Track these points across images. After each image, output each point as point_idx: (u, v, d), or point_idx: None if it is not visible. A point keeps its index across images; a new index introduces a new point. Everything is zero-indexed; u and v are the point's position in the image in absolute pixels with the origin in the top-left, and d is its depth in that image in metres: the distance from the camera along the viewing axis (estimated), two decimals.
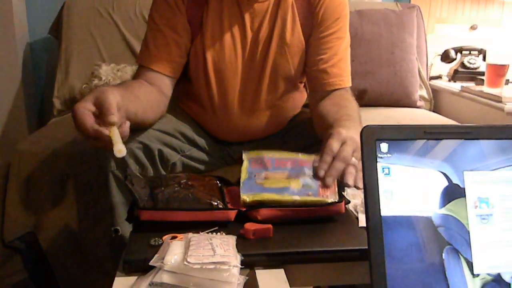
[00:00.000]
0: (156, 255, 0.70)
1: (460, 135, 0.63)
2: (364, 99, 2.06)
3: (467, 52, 2.32)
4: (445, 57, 2.34)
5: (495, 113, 1.88)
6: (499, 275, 0.60)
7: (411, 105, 2.14)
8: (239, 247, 0.73)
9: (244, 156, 0.94)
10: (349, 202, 0.91)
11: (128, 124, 0.89)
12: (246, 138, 1.31)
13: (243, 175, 0.90)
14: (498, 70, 2.01)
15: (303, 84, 1.34)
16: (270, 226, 0.81)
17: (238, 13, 1.18)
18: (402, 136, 0.62)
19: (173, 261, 0.67)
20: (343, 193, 0.93)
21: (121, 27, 2.11)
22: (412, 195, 0.61)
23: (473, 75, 2.26)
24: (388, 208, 0.59)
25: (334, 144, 0.87)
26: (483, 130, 0.63)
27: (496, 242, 0.61)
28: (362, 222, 0.85)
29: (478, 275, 0.59)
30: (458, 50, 2.33)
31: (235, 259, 0.68)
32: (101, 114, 0.86)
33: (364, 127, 0.61)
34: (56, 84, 2.07)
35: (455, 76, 2.31)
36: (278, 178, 0.90)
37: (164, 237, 0.76)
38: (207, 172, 1.27)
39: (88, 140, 0.86)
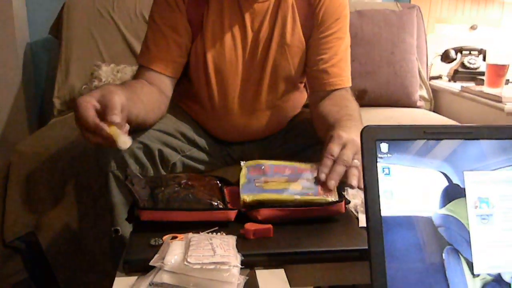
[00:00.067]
0: (156, 255, 0.70)
1: (460, 135, 0.63)
2: (364, 99, 2.06)
3: (467, 52, 2.32)
4: (445, 57, 2.34)
5: (495, 113, 1.88)
6: (499, 275, 0.60)
7: (411, 105, 2.14)
8: (239, 247, 0.73)
9: (243, 164, 0.95)
10: (349, 202, 0.91)
11: (127, 127, 0.90)
12: (246, 138, 1.31)
13: (242, 180, 0.90)
14: (498, 70, 2.01)
15: (303, 84, 1.34)
16: (270, 226, 0.81)
17: (238, 13, 1.18)
18: (402, 136, 0.62)
19: (173, 261, 0.67)
20: (343, 193, 0.93)
21: (121, 27, 2.11)
22: (412, 195, 0.61)
23: (473, 75, 2.26)
24: (388, 208, 0.59)
25: (334, 148, 0.87)
26: (483, 130, 0.63)
27: (496, 242, 0.61)
28: (362, 222, 0.85)
29: (478, 275, 0.60)
30: (458, 50, 2.33)
31: (235, 259, 0.68)
32: (103, 113, 0.86)
33: (364, 127, 0.61)
34: (56, 84, 2.07)
35: (455, 76, 2.31)
36: (278, 182, 0.90)
37: (164, 237, 0.76)
38: (207, 172, 1.27)
39: (86, 134, 0.86)
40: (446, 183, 0.61)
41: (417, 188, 0.61)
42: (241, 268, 0.68)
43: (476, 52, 2.31)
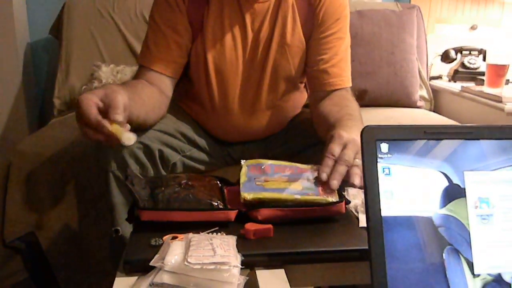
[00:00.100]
0: (157, 255, 0.70)
1: (460, 135, 0.63)
2: (364, 99, 2.06)
3: (467, 52, 2.32)
4: (445, 57, 2.34)
5: (495, 113, 1.88)
6: (499, 275, 0.60)
7: (411, 105, 2.14)
8: (240, 247, 0.73)
9: (243, 163, 0.95)
10: (349, 202, 0.91)
11: (128, 127, 0.90)
12: (247, 138, 1.31)
13: (243, 179, 0.90)
14: (498, 70, 2.01)
15: (303, 84, 1.34)
16: (270, 226, 0.81)
17: (238, 13, 1.18)
18: (402, 136, 0.62)
19: (174, 261, 0.67)
20: (343, 193, 0.93)
21: (122, 27, 2.11)
22: (412, 195, 0.61)
23: (473, 75, 2.26)
24: (388, 208, 0.59)
25: (335, 148, 0.87)
26: (483, 130, 0.63)
27: (496, 242, 0.61)
28: (363, 222, 0.85)
29: (478, 275, 0.60)
30: (458, 50, 2.33)
31: (236, 259, 0.68)
32: (106, 111, 0.86)
33: (364, 127, 0.61)
34: (57, 84, 2.07)
35: (455, 76, 2.31)
36: (278, 182, 0.90)
37: (165, 237, 0.76)
38: (208, 172, 1.27)
39: (87, 130, 0.86)
40: (446, 183, 0.61)
41: (417, 188, 0.61)
42: (241, 268, 0.68)
43: (476, 52, 2.32)
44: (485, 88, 2.02)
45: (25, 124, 2.21)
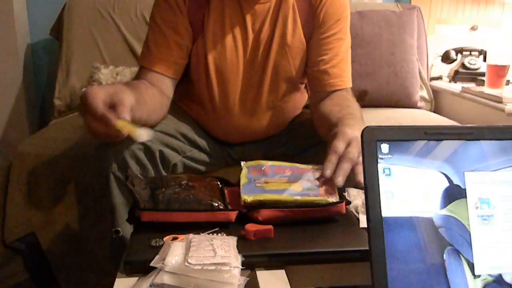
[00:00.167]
0: (157, 256, 0.70)
1: (461, 136, 0.63)
2: (365, 100, 2.06)
3: (468, 52, 2.32)
4: (446, 58, 2.34)
5: (496, 114, 1.88)
6: (500, 275, 0.60)
7: (412, 105, 2.14)
8: (240, 248, 0.73)
9: (243, 164, 0.95)
10: (349, 203, 0.91)
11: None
12: (247, 139, 1.31)
13: (243, 180, 0.90)
14: (499, 71, 2.01)
15: (304, 85, 1.34)
16: (271, 227, 0.81)
17: (239, 14, 1.18)
18: (402, 137, 0.62)
19: (174, 262, 0.67)
20: (343, 194, 0.93)
21: (122, 28, 2.11)
22: (413, 195, 0.61)
23: (474, 76, 2.26)
24: (389, 209, 0.59)
25: (339, 145, 0.87)
26: (484, 130, 0.63)
27: (497, 243, 0.60)
28: (363, 223, 0.85)
29: (479, 276, 0.59)
30: (459, 50, 2.33)
31: (236, 260, 0.68)
32: (111, 109, 0.86)
33: (365, 128, 0.61)
34: (57, 85, 2.08)
35: (455, 76, 2.31)
36: (278, 183, 0.90)
37: (165, 238, 0.76)
38: (208, 173, 1.27)
39: (91, 122, 0.85)
40: (446, 184, 0.61)
41: (417, 189, 0.61)
42: (241, 269, 0.68)
43: (476, 53, 2.32)
44: (486, 89, 2.02)
45: (26, 125, 2.22)
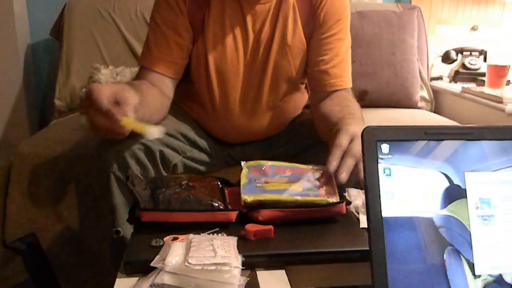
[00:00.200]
0: (157, 256, 0.70)
1: (461, 136, 0.63)
2: (365, 100, 2.06)
3: (468, 53, 2.32)
4: (446, 58, 2.34)
5: (496, 114, 1.88)
6: (500, 276, 0.60)
7: (412, 106, 2.14)
8: (240, 248, 0.73)
9: (243, 164, 0.95)
10: (350, 203, 0.91)
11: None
12: (247, 139, 1.31)
13: (243, 180, 0.90)
14: (499, 71, 2.01)
15: (304, 85, 1.34)
16: (271, 227, 0.81)
17: (239, 14, 1.18)
18: (403, 137, 0.62)
19: (174, 262, 0.67)
20: (344, 194, 0.93)
21: (122, 28, 2.11)
22: (413, 196, 0.61)
23: (474, 76, 2.26)
24: (389, 209, 0.59)
25: (343, 140, 0.87)
26: (484, 131, 0.63)
27: (497, 243, 0.60)
28: (363, 223, 0.85)
29: (479, 276, 0.59)
30: (459, 51, 2.33)
31: (236, 260, 0.68)
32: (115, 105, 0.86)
33: (365, 128, 0.61)
34: (57, 85, 2.08)
35: (456, 77, 2.31)
36: (278, 183, 0.90)
37: (165, 238, 0.76)
38: (208, 173, 1.27)
39: (94, 116, 0.85)
40: (447, 184, 0.61)
41: (418, 189, 0.61)
42: (242, 269, 0.68)
43: (476, 53, 2.31)
44: (486, 89, 2.02)
45: (26, 125, 2.22)
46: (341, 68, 1.21)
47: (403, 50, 2.12)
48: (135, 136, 1.08)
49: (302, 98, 1.35)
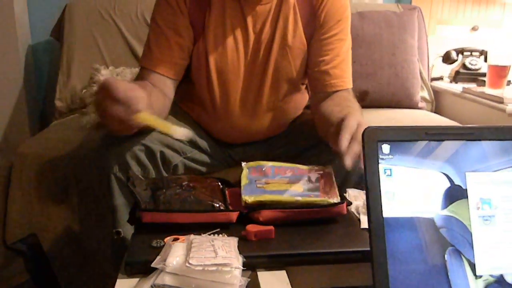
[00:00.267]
0: (158, 257, 0.70)
1: (462, 136, 0.63)
2: (366, 101, 2.06)
3: (469, 53, 2.32)
4: (447, 58, 2.34)
5: (497, 114, 1.88)
6: (501, 276, 0.60)
7: (413, 106, 2.14)
8: (241, 248, 0.73)
9: (244, 165, 0.95)
10: (350, 203, 0.91)
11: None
12: (248, 140, 1.31)
13: (244, 181, 0.90)
14: (500, 71, 2.01)
15: (304, 85, 1.34)
16: (272, 227, 0.81)
17: (240, 15, 1.18)
18: (403, 138, 0.62)
19: (175, 262, 0.67)
20: (344, 194, 0.93)
21: (123, 29, 2.11)
22: (414, 196, 0.61)
23: (475, 76, 2.26)
24: (390, 209, 0.59)
25: (351, 122, 0.87)
26: (485, 131, 0.63)
27: (498, 243, 0.60)
28: (364, 223, 0.85)
29: (480, 276, 0.59)
30: (459, 51, 2.33)
31: (237, 261, 0.68)
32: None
33: (366, 128, 0.61)
34: (58, 86, 2.08)
35: (456, 77, 2.31)
36: (279, 183, 0.90)
37: (166, 239, 0.76)
38: (209, 174, 1.27)
39: (110, 107, 0.85)
40: (448, 184, 0.61)
41: (419, 189, 0.61)
42: (242, 270, 0.68)
43: (477, 53, 2.31)
44: (487, 89, 2.02)
45: (27, 126, 2.21)
46: (342, 68, 1.21)
47: (404, 50, 2.12)
48: (135, 137, 1.08)
49: (302, 98, 1.35)
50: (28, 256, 1.54)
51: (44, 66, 2.35)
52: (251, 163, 0.96)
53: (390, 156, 0.61)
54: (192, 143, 1.24)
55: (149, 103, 0.98)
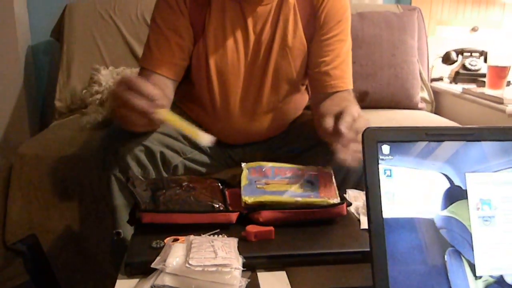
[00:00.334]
0: (158, 258, 0.70)
1: (462, 137, 0.63)
2: (366, 101, 2.06)
3: (468, 54, 2.32)
4: (446, 59, 2.34)
5: (497, 115, 1.88)
6: (501, 277, 0.60)
7: (413, 107, 2.14)
8: (241, 249, 0.73)
9: (244, 165, 0.95)
10: (350, 204, 0.91)
11: None
12: (248, 141, 1.31)
13: (243, 182, 0.90)
14: (500, 72, 2.01)
15: (304, 86, 1.34)
16: (271, 228, 0.81)
17: (240, 16, 1.18)
18: (403, 138, 0.62)
19: (175, 263, 0.67)
20: (344, 195, 0.93)
21: (123, 30, 2.11)
22: (414, 197, 0.61)
23: (474, 77, 2.26)
24: (390, 210, 0.59)
25: (353, 111, 0.87)
26: (485, 131, 0.63)
27: (498, 244, 0.60)
28: (364, 224, 0.85)
29: (480, 277, 0.59)
30: (459, 52, 2.33)
31: (237, 262, 0.68)
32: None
33: (366, 129, 0.61)
34: (58, 87, 2.08)
35: (456, 78, 2.31)
36: (279, 184, 0.90)
37: (166, 240, 0.76)
38: (209, 174, 1.27)
39: (133, 99, 0.85)
40: (448, 185, 0.61)
41: (419, 190, 0.61)
42: (242, 271, 0.68)
43: (477, 54, 2.31)
44: (486, 90, 2.02)
45: (26, 126, 2.22)
46: (342, 69, 1.21)
47: (404, 51, 2.12)
48: (135, 138, 1.08)
49: (302, 99, 1.35)
50: (27, 257, 1.54)
51: (44, 67, 2.35)
52: (251, 164, 0.96)
53: (390, 157, 0.61)
54: (192, 143, 1.24)
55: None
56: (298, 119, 1.34)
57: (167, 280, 0.66)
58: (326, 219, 0.86)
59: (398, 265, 0.58)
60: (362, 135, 0.60)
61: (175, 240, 0.75)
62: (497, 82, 2.01)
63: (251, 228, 0.80)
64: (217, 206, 0.86)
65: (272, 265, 0.75)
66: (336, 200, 0.87)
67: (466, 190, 0.61)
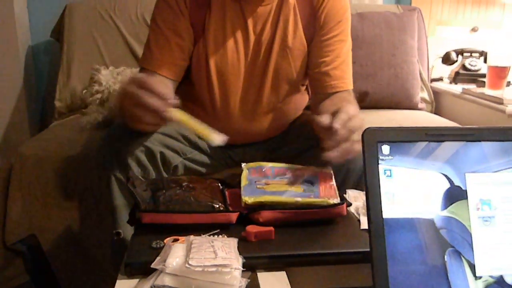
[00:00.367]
0: (158, 258, 0.70)
1: (462, 137, 0.63)
2: (366, 102, 2.06)
3: (468, 54, 2.32)
4: (446, 59, 2.34)
5: (497, 115, 1.88)
6: (501, 277, 0.60)
7: (413, 107, 2.14)
8: (241, 249, 0.73)
9: (244, 166, 0.95)
10: (350, 204, 0.91)
11: None
12: (248, 141, 1.31)
13: (243, 182, 0.90)
14: (499, 72, 2.01)
15: (304, 86, 1.34)
16: (271, 228, 0.81)
17: (240, 16, 1.18)
18: (403, 138, 0.62)
19: (175, 263, 0.67)
20: (344, 195, 0.93)
21: (123, 30, 2.11)
22: (414, 197, 0.61)
23: (474, 77, 2.26)
24: (390, 210, 0.59)
25: (349, 109, 0.87)
26: (485, 132, 0.63)
27: (498, 244, 0.60)
28: (364, 224, 0.85)
29: (480, 277, 0.59)
30: (459, 52, 2.33)
31: (237, 262, 0.68)
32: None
33: (366, 129, 0.61)
34: (58, 87, 2.08)
35: (456, 78, 2.31)
36: (279, 184, 0.90)
37: (166, 240, 0.76)
38: (209, 174, 1.27)
39: (145, 97, 0.86)
40: (447, 185, 0.61)
41: (418, 190, 0.61)
42: (242, 271, 0.68)
43: (477, 54, 2.31)
44: (486, 90, 2.02)
45: (26, 126, 2.22)
46: (342, 69, 1.21)
47: (404, 51, 2.12)
48: (136, 138, 1.08)
49: (302, 99, 1.35)
50: (27, 257, 1.54)
51: (44, 67, 2.35)
52: (251, 164, 0.96)
53: (390, 157, 0.61)
54: (192, 143, 1.24)
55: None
56: (298, 119, 1.34)
57: (167, 280, 0.66)
58: (326, 219, 0.86)
59: (398, 265, 0.58)
60: (362, 135, 0.60)
61: (175, 240, 0.75)
62: (497, 83, 2.01)
63: (251, 228, 0.80)
64: (217, 206, 0.86)
65: (272, 265, 0.75)
66: (336, 200, 0.87)
67: (466, 190, 0.61)
